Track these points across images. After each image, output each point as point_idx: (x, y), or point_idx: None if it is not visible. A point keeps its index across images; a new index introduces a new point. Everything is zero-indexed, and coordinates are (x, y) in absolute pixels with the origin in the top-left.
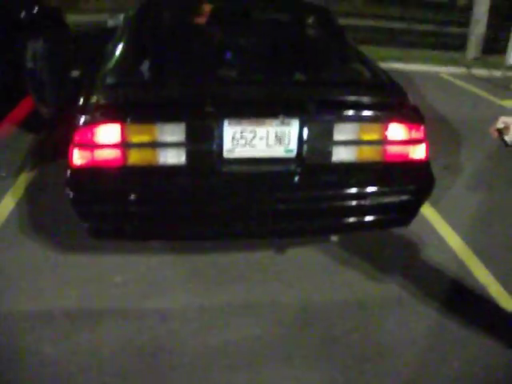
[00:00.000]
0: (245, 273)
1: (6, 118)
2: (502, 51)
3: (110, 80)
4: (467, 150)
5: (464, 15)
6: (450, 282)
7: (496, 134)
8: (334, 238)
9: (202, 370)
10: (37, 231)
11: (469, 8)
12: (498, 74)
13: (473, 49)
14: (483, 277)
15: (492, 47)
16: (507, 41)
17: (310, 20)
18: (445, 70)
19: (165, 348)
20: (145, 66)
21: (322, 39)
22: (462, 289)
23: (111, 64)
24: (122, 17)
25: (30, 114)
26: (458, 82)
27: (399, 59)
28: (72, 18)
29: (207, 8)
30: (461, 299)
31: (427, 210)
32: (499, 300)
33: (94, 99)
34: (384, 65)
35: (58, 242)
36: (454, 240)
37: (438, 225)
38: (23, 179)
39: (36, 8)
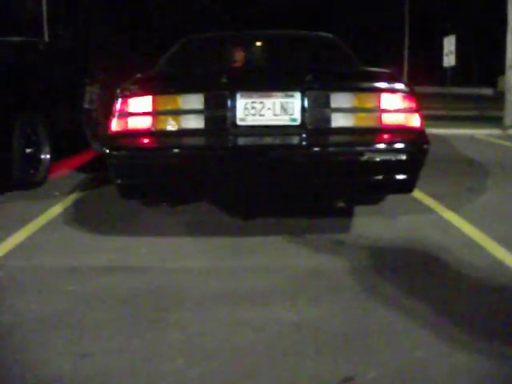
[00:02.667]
0: (262, 248)
1: (66, 162)
2: None
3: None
4: (492, 178)
5: None
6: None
7: None
8: (341, 204)
9: (207, 307)
10: (77, 223)
11: None
12: None
13: (509, 116)
14: (500, 254)
15: None
16: None
17: (317, 41)
18: (480, 133)
19: (174, 292)
20: (177, 65)
21: (325, 51)
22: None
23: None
24: None
25: (88, 161)
26: (491, 140)
27: (436, 126)
28: None
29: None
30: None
31: (448, 214)
32: None
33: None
34: None
35: (93, 228)
36: (472, 231)
37: (456, 221)
38: (72, 197)
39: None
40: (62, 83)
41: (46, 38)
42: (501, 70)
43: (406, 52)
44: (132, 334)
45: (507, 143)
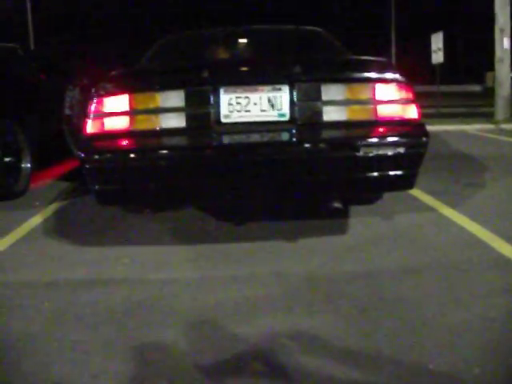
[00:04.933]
0: (253, 254)
1: (48, 171)
2: None
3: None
4: (490, 173)
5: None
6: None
7: None
8: (338, 205)
9: (195, 324)
10: (57, 234)
11: None
12: None
13: (500, 110)
14: (507, 251)
15: None
16: None
17: (304, 34)
18: (472, 128)
19: (158, 307)
20: (155, 62)
21: (314, 44)
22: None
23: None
24: None
25: (71, 170)
26: (484, 134)
27: (428, 124)
28: None
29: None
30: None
31: (448, 211)
32: None
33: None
34: None
35: (74, 239)
36: (475, 228)
37: (457, 218)
38: (53, 207)
39: None
40: (43, 90)
41: (32, 46)
42: (488, 66)
43: (393, 49)
44: (110, 356)
45: (500, 137)
